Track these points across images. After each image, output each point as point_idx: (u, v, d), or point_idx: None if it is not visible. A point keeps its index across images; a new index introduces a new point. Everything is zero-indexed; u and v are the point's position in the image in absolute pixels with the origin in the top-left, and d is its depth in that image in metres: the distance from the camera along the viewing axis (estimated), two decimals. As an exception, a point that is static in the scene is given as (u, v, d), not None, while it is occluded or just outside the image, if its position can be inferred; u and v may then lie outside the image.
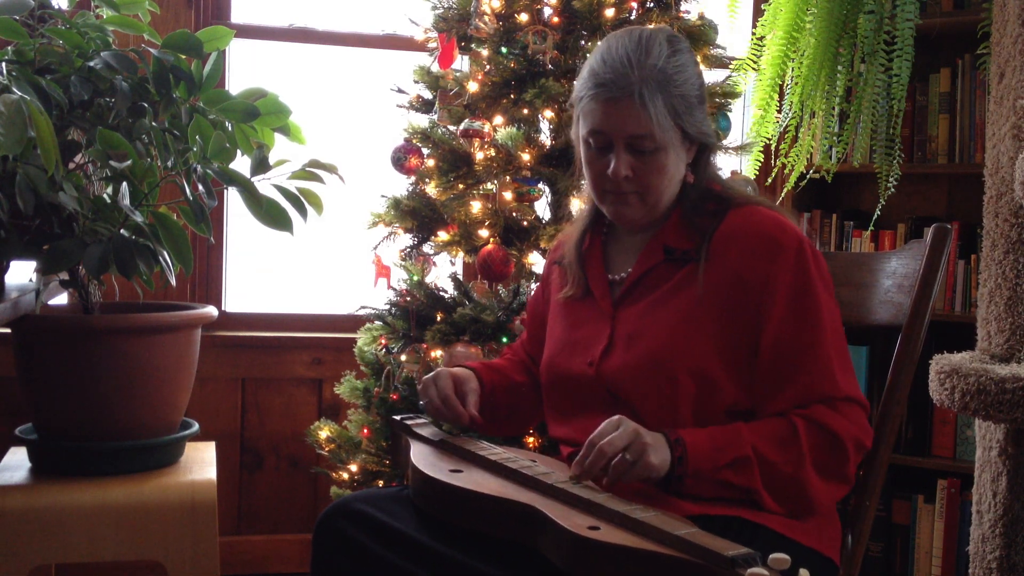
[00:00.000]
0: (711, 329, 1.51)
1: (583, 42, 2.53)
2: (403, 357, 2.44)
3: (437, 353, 2.36)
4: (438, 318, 2.45)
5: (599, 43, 1.59)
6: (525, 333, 1.88)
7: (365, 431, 2.51)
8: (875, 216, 2.86)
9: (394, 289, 2.60)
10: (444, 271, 2.59)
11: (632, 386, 1.53)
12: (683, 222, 1.60)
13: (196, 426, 2.14)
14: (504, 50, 2.48)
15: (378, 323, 2.60)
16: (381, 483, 2.47)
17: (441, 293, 2.51)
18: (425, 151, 2.57)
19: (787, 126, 2.81)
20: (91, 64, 1.87)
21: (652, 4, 2.59)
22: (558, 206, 2.53)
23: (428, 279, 2.55)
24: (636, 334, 1.56)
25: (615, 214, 1.61)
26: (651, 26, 1.63)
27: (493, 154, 2.44)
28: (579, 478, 1.38)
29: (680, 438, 1.43)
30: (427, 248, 2.62)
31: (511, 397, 1.77)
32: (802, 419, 1.46)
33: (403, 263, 2.59)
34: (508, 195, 2.43)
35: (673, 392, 1.50)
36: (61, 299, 2.31)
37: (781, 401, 1.49)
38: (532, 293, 2.46)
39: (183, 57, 1.95)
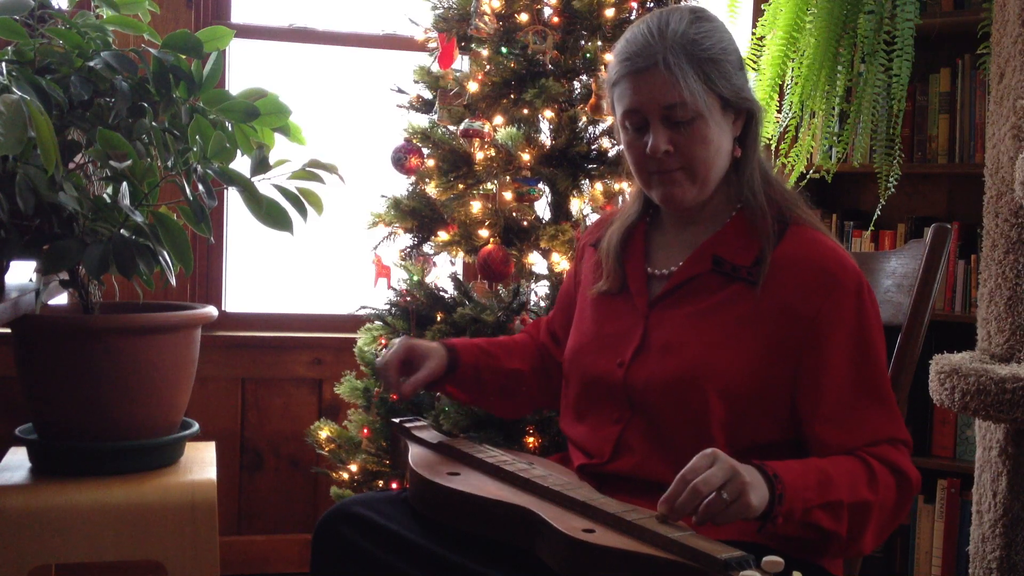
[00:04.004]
0: (752, 355, 1.46)
1: (583, 42, 2.53)
2: (403, 357, 2.44)
3: (437, 353, 2.36)
4: (438, 318, 2.45)
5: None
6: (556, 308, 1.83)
7: (365, 431, 2.51)
8: (875, 216, 2.86)
9: (394, 289, 2.60)
10: (444, 271, 2.60)
11: (659, 399, 1.49)
12: (746, 226, 1.53)
13: (196, 426, 2.14)
14: (504, 50, 2.48)
15: (378, 323, 2.60)
16: (381, 483, 2.47)
17: (441, 293, 2.51)
18: (425, 151, 2.57)
19: (787, 126, 2.81)
20: (91, 64, 1.87)
21: (652, 4, 2.60)
22: (558, 206, 2.53)
23: (428, 279, 2.55)
24: (672, 345, 1.50)
25: (664, 196, 1.54)
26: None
27: (493, 154, 2.44)
28: (667, 517, 1.24)
29: (778, 475, 1.30)
30: (427, 248, 2.62)
31: (501, 380, 1.74)
32: (875, 460, 1.42)
33: (403, 263, 2.59)
34: (508, 195, 2.43)
35: (702, 413, 1.45)
36: (61, 299, 2.31)
37: (849, 440, 1.44)
38: (534, 292, 2.47)
39: (183, 57, 1.95)
